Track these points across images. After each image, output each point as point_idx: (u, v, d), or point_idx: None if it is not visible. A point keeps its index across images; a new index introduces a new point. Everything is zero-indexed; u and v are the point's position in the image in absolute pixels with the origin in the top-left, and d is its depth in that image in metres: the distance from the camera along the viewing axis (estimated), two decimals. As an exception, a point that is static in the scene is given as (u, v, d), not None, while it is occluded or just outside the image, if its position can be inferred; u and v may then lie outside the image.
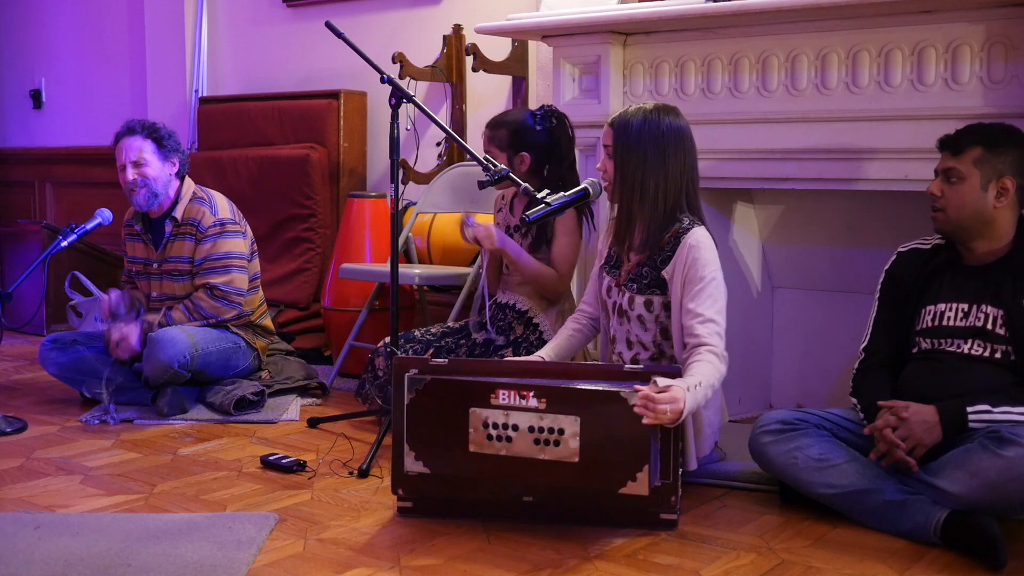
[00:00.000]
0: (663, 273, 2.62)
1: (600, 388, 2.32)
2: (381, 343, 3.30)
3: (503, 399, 2.34)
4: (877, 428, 2.40)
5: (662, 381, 2.29)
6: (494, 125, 3.25)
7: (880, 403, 2.44)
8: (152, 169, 3.54)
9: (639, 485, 2.30)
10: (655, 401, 2.24)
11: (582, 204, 2.95)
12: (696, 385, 2.35)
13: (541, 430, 2.33)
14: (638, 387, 2.27)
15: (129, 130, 3.58)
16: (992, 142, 2.41)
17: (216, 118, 5.14)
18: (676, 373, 2.37)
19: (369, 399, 3.31)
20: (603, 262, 2.80)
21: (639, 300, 2.66)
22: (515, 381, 2.35)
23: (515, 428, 2.34)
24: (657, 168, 2.59)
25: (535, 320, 3.16)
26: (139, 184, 3.52)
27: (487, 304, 3.20)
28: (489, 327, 3.19)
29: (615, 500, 2.32)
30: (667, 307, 2.63)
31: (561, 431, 2.32)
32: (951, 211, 2.44)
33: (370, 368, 3.32)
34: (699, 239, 2.58)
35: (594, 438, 2.30)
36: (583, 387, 2.33)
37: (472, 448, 2.37)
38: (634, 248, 2.69)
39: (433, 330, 3.32)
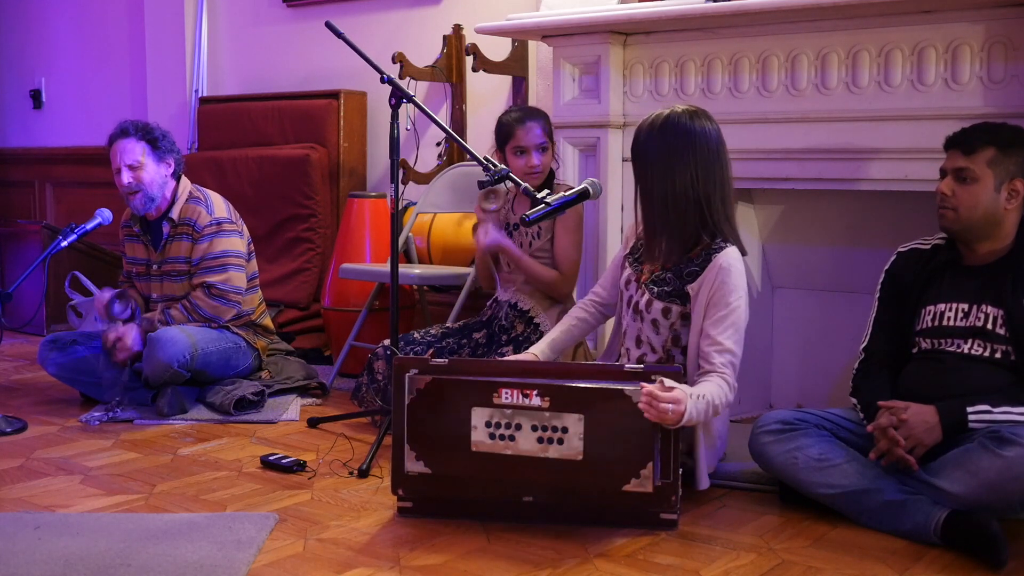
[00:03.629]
0: (688, 288, 2.55)
1: (604, 386, 2.32)
2: (379, 346, 3.30)
3: (506, 398, 2.35)
4: (879, 427, 2.39)
5: (668, 381, 2.29)
6: (537, 114, 3.22)
7: (880, 403, 2.44)
8: (147, 173, 3.52)
9: (643, 482, 2.30)
10: (658, 399, 2.24)
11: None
12: (700, 396, 2.34)
13: (545, 428, 2.33)
14: (643, 384, 2.27)
15: (123, 132, 3.54)
16: (1004, 143, 2.41)
17: (216, 118, 5.14)
18: (677, 374, 2.38)
19: (366, 402, 3.31)
20: (627, 251, 2.76)
21: (657, 305, 2.61)
22: (518, 380, 2.36)
23: (518, 427, 2.34)
24: (664, 177, 2.51)
25: (536, 319, 3.17)
26: (134, 188, 3.51)
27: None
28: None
29: (619, 498, 2.32)
30: (684, 317, 2.58)
31: (565, 429, 2.32)
32: (963, 211, 2.43)
33: (368, 372, 3.31)
34: (731, 262, 2.50)
35: (598, 436, 2.31)
36: (586, 385, 2.33)
37: (475, 447, 2.37)
38: (655, 257, 2.62)
39: (433, 331, 3.32)
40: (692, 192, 2.51)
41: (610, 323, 2.93)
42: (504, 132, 3.20)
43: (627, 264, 2.73)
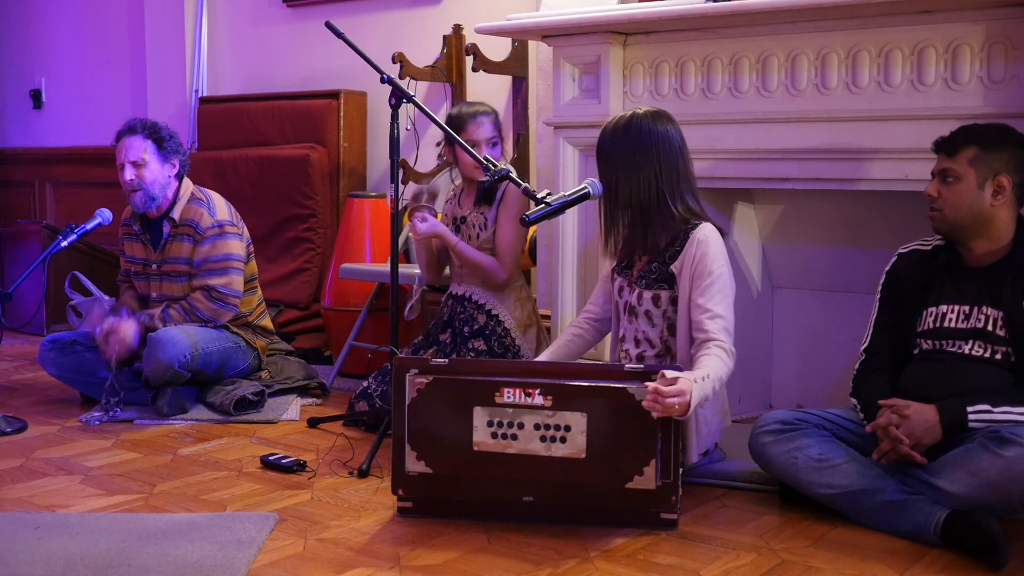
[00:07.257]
0: (671, 268, 2.62)
1: (606, 384, 2.33)
2: (360, 387, 3.34)
3: (508, 397, 2.35)
4: (880, 425, 2.39)
5: (670, 373, 2.30)
6: (488, 110, 3.31)
7: (881, 402, 2.44)
8: (150, 172, 3.53)
9: (646, 479, 2.32)
10: (663, 395, 2.26)
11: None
12: (704, 377, 2.36)
13: (548, 427, 2.34)
14: (647, 383, 2.28)
15: (130, 129, 3.57)
16: (986, 141, 2.42)
17: (216, 118, 5.14)
18: (676, 368, 2.38)
19: (365, 420, 3.31)
20: (615, 264, 2.80)
21: (647, 295, 2.66)
22: (520, 380, 2.36)
23: (521, 426, 2.35)
24: (628, 173, 2.60)
25: (494, 311, 3.20)
26: (136, 186, 3.53)
27: (416, 297, 3.41)
28: (410, 315, 3.38)
29: (622, 495, 2.33)
30: (674, 302, 2.63)
31: (568, 428, 2.33)
32: (948, 211, 2.45)
33: (351, 410, 3.32)
34: (707, 234, 2.59)
35: (601, 434, 2.32)
36: (588, 384, 2.34)
37: (476, 447, 2.37)
38: (630, 252, 2.70)
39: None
40: (656, 190, 2.61)
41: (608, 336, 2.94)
42: (454, 126, 3.20)
43: (616, 275, 2.78)
